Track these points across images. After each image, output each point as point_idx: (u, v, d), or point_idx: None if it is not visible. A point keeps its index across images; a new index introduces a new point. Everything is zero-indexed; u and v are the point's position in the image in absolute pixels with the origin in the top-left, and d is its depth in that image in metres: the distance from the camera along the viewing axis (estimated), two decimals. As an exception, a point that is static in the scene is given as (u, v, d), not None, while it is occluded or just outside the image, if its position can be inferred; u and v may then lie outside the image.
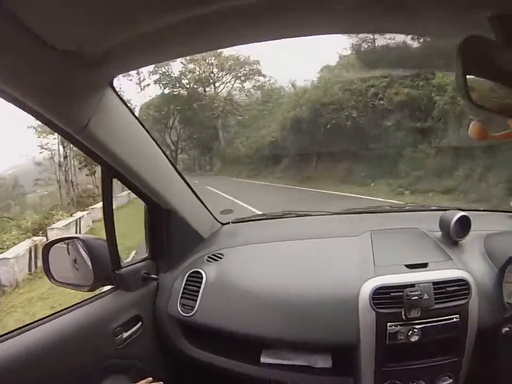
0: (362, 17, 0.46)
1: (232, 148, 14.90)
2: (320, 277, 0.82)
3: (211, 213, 1.07)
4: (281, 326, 0.76)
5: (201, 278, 0.85)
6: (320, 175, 8.54)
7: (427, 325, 0.70)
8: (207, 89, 17.40)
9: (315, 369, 0.77)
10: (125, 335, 0.75)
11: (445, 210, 1.30)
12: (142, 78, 17.35)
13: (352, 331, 0.72)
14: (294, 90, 12.09)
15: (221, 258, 0.90)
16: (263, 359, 0.79)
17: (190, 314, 0.81)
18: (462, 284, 0.74)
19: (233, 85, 16.88)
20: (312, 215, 1.21)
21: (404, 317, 0.69)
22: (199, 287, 0.83)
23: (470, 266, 0.81)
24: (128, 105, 0.69)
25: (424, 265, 0.79)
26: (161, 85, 17.43)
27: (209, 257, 0.91)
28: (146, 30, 0.41)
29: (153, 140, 0.78)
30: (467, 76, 0.30)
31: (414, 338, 0.69)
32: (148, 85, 17.82)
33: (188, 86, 17.43)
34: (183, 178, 0.88)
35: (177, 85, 17.43)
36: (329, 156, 8.57)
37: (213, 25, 0.43)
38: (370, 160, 7.38)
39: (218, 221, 1.11)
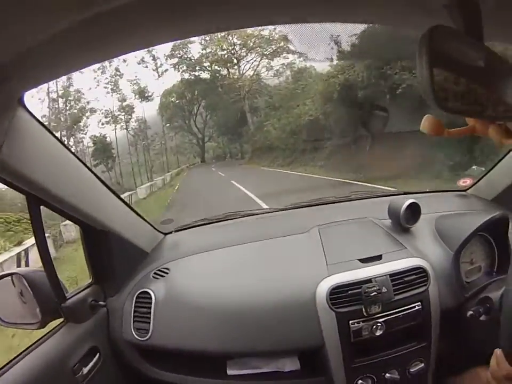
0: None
1: (263, 132, 14.82)
2: (272, 281, 0.86)
3: (151, 225, 1.11)
4: (241, 338, 0.80)
5: (150, 298, 0.88)
6: (376, 163, 7.40)
7: (390, 317, 0.76)
8: (231, 70, 17.50)
9: (284, 373, 0.82)
10: (85, 370, 0.76)
11: (391, 195, 1.35)
12: (159, 64, 18.28)
13: (314, 333, 0.77)
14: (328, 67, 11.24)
15: (167, 273, 0.94)
16: (230, 371, 0.83)
17: (145, 338, 0.84)
18: (419, 272, 0.81)
19: (259, 63, 16.82)
20: (256, 214, 1.26)
21: (365, 313, 0.75)
22: (150, 308, 0.87)
23: (424, 253, 0.88)
24: (44, 123, 0.66)
25: (378, 258, 0.85)
26: (180, 69, 17.95)
27: (155, 273, 0.95)
28: (61, 28, 0.35)
29: (77, 158, 0.77)
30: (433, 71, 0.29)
31: (379, 332, 0.75)
32: (166, 70, 18.58)
33: (209, 68, 17.77)
34: (114, 193, 0.90)
35: (198, 68, 17.81)
36: (388, 137, 7.47)
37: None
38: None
39: (160, 232, 1.16)
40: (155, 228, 1.13)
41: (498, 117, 0.33)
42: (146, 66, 17.79)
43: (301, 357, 0.83)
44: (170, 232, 1.19)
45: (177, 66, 17.96)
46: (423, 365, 0.80)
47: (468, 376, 0.79)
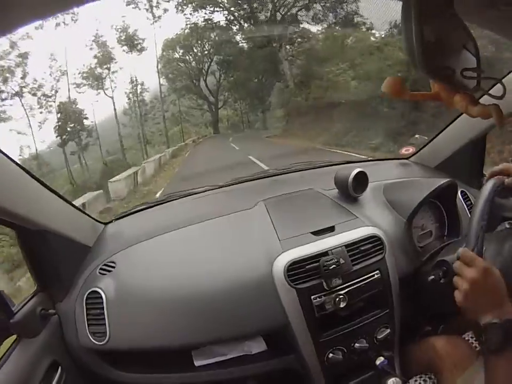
0: None
1: (321, 87, 13.36)
2: (225, 263, 1.00)
3: (89, 216, 1.24)
4: (202, 327, 0.93)
5: (101, 297, 0.98)
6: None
7: (351, 288, 0.93)
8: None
9: (253, 356, 0.98)
10: None
11: (333, 165, 1.59)
12: (155, 3, 17.59)
13: (277, 312, 0.91)
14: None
15: (113, 267, 1.06)
16: (197, 362, 0.97)
17: (104, 342, 0.94)
18: (374, 240, 0.99)
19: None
20: (197, 193, 1.48)
21: (326, 287, 0.90)
22: (102, 308, 0.97)
23: (377, 221, 1.08)
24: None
25: (331, 229, 1.02)
26: (184, 9, 17.01)
27: (101, 269, 1.06)
28: None
29: None
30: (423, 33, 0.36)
31: (343, 304, 0.91)
32: (166, 11, 17.55)
33: (227, 5, 16.43)
34: (45, 185, 0.97)
35: (210, 7, 16.74)
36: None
37: None
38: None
39: (100, 222, 1.30)
40: (94, 219, 1.27)
41: (466, 85, 0.43)
42: (137, 7, 17.35)
43: (267, 338, 0.98)
44: (111, 221, 1.35)
45: (180, 7, 17.23)
46: (389, 330, 0.98)
47: (423, 344, 1.01)
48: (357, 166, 1.21)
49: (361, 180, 1.18)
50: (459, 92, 0.44)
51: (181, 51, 18.75)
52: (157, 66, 19.07)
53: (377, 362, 0.96)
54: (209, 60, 18.84)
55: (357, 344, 0.95)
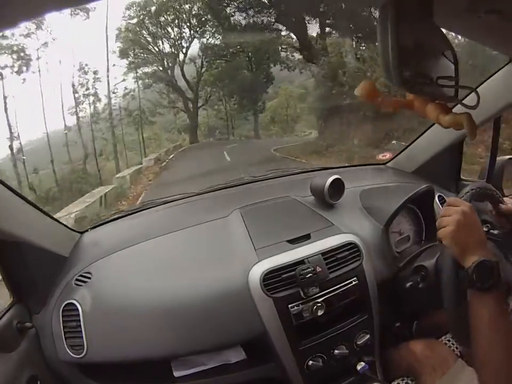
0: None
1: None
2: (201, 273, 1.00)
3: (65, 225, 1.23)
4: (180, 338, 0.93)
5: (77, 309, 0.97)
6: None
7: (329, 295, 0.93)
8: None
9: (232, 365, 0.98)
10: None
11: (309, 171, 1.63)
12: None
13: (254, 322, 0.91)
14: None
15: (89, 278, 1.05)
16: (177, 373, 0.97)
17: (82, 355, 0.93)
18: (351, 247, 1.00)
19: None
20: (173, 201, 1.49)
21: (303, 295, 0.91)
22: (79, 320, 0.96)
23: (353, 228, 1.09)
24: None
25: (307, 237, 1.03)
26: None
27: (77, 280, 1.05)
28: None
29: None
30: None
31: (320, 312, 0.91)
32: None
33: None
34: (18, 195, 0.96)
35: None
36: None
37: None
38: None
39: (76, 231, 1.28)
40: (70, 228, 1.26)
41: (440, 94, 0.44)
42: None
43: (246, 347, 0.98)
44: (87, 230, 1.33)
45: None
46: (368, 336, 0.99)
47: (402, 349, 1.04)
48: (334, 173, 1.23)
49: (338, 186, 1.20)
50: (433, 101, 0.45)
51: (150, 20, 14.07)
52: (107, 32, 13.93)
53: (358, 367, 0.96)
54: (189, 39, 14.71)
55: (336, 351, 0.95)
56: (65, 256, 1.14)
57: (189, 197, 1.52)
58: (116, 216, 1.43)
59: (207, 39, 14.99)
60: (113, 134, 13.71)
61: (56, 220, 1.18)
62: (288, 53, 14.71)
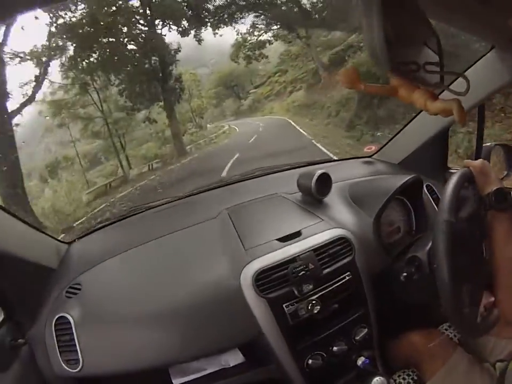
0: None
1: None
2: (193, 278, 0.99)
3: (52, 236, 1.22)
4: (175, 345, 0.92)
5: (69, 322, 0.95)
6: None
7: (323, 292, 0.93)
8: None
9: (231, 369, 0.97)
10: None
11: (295, 167, 1.62)
12: None
13: (250, 324, 0.90)
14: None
15: (79, 289, 1.03)
16: (175, 381, 0.97)
17: (78, 369, 0.91)
18: (342, 242, 1.00)
19: None
20: (159, 205, 1.49)
21: (297, 294, 0.90)
22: (72, 334, 0.94)
23: (343, 222, 1.09)
24: None
25: (297, 234, 1.02)
26: None
27: (67, 292, 1.04)
28: None
29: None
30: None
31: (316, 309, 0.91)
32: None
33: None
34: (0, 207, 0.95)
35: None
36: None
37: None
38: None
39: (63, 242, 1.28)
40: (57, 239, 1.24)
41: (427, 79, 0.43)
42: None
43: (244, 349, 0.97)
44: (74, 241, 1.33)
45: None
46: (366, 330, 0.99)
47: (402, 340, 1.06)
48: (320, 168, 1.23)
49: (325, 181, 1.20)
50: (419, 87, 0.44)
51: None
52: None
53: (359, 362, 0.96)
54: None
55: (335, 347, 0.95)
56: (54, 268, 1.12)
57: (175, 200, 1.51)
58: (103, 224, 1.42)
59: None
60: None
61: (42, 231, 1.16)
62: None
